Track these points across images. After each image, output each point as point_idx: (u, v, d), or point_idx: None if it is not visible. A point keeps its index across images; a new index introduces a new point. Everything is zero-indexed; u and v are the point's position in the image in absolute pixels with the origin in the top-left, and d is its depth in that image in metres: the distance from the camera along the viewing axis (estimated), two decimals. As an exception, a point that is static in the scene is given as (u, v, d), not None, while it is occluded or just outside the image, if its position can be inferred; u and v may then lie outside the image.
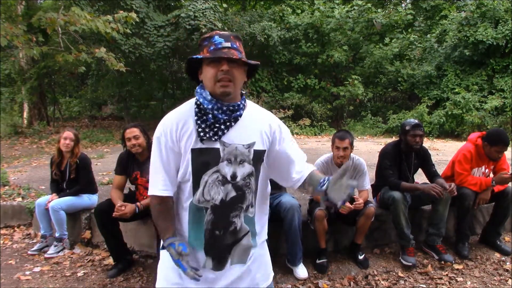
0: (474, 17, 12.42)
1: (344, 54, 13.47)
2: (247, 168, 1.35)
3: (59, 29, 5.53)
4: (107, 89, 13.25)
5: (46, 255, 3.40)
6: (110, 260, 3.20)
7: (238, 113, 1.34)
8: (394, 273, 3.03)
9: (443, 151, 7.97)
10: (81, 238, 3.62)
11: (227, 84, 1.29)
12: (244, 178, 1.35)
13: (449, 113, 11.48)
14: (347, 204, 2.92)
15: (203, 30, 10.56)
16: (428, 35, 14.95)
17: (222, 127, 1.31)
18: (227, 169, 1.32)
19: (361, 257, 3.14)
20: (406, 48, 14.84)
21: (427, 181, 3.44)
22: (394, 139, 3.45)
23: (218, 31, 1.37)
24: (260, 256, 1.49)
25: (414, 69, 13.59)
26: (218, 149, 1.31)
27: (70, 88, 15.53)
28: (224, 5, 14.80)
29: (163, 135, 1.34)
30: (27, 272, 3.12)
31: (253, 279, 1.45)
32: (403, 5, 17.55)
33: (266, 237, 1.53)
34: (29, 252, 3.48)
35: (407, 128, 3.26)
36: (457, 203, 3.29)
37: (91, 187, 3.68)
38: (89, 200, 3.63)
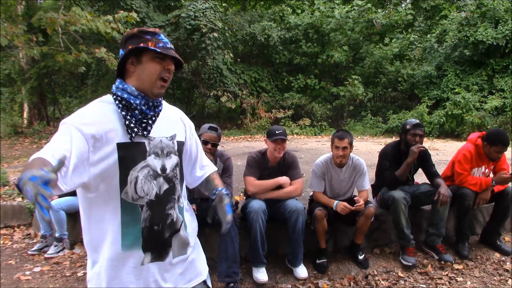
0: (474, 17, 12.42)
1: (344, 54, 13.48)
2: (174, 159, 1.37)
3: (59, 29, 5.54)
4: (107, 89, 13.20)
5: (46, 255, 3.40)
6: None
7: (160, 107, 1.36)
8: (394, 273, 3.03)
9: (443, 151, 7.97)
10: (81, 238, 3.61)
11: (165, 85, 1.32)
12: (173, 169, 1.36)
13: (449, 113, 11.49)
14: (347, 205, 2.92)
15: (204, 30, 10.57)
16: (428, 35, 14.95)
17: (150, 122, 1.31)
18: (156, 163, 1.31)
19: (361, 257, 3.14)
20: (406, 48, 14.85)
21: (427, 181, 3.44)
22: (394, 139, 3.45)
23: (158, 30, 1.36)
24: (196, 245, 1.51)
25: (414, 69, 13.60)
26: (143, 143, 1.29)
27: (70, 88, 15.52)
28: (224, 5, 14.82)
29: (79, 124, 1.18)
30: (27, 272, 3.12)
31: (195, 270, 1.46)
32: (403, 5, 17.55)
33: (196, 228, 1.53)
34: (29, 252, 3.48)
35: (408, 127, 3.28)
36: (457, 203, 3.29)
37: (91, 187, 3.68)
38: (89, 200, 3.63)
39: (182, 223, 1.40)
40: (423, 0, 15.92)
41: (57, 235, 3.48)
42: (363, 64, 14.37)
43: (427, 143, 8.74)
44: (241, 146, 8.68)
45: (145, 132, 1.29)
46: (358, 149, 8.20)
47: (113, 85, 1.33)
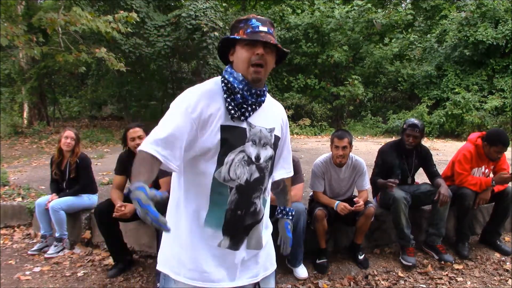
0: (474, 17, 12.42)
1: (344, 54, 13.47)
2: (269, 151, 1.38)
3: (59, 29, 5.53)
4: (107, 89, 13.24)
5: (46, 255, 3.40)
6: (110, 260, 3.20)
7: (262, 98, 1.37)
8: (394, 273, 3.03)
9: (443, 151, 7.97)
10: (81, 238, 3.62)
11: (259, 70, 1.30)
12: (266, 160, 1.38)
13: (449, 113, 11.49)
14: (347, 206, 2.93)
15: (204, 30, 10.56)
16: (428, 35, 14.96)
17: (249, 108, 1.32)
18: (251, 150, 1.33)
19: (361, 257, 3.14)
20: (406, 48, 14.85)
21: (428, 181, 3.44)
22: (394, 139, 3.46)
23: (255, 15, 1.37)
24: (270, 242, 1.54)
25: (414, 69, 13.60)
26: (245, 129, 1.32)
27: (70, 88, 15.52)
28: (224, 5, 14.82)
29: (189, 104, 1.26)
30: (27, 272, 3.12)
31: (263, 265, 1.47)
32: (403, 5, 17.55)
33: (271, 226, 1.56)
34: (29, 252, 3.48)
35: (405, 126, 3.32)
36: (457, 203, 3.29)
37: (91, 187, 3.68)
38: (89, 200, 3.64)
39: (263, 216, 1.42)
40: (423, 0, 15.91)
41: (57, 235, 3.48)
42: (363, 64, 14.37)
43: (427, 143, 8.74)
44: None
45: (242, 117, 1.30)
46: (358, 149, 8.20)
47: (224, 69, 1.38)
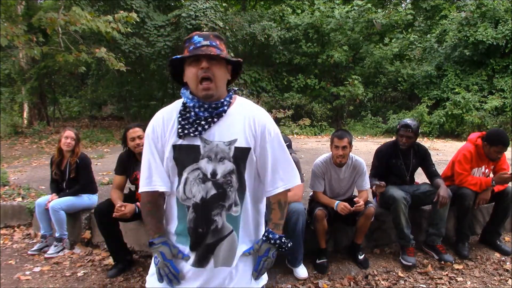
0: (474, 17, 12.42)
1: (344, 54, 13.47)
2: (228, 165, 1.32)
3: (59, 29, 5.53)
4: (107, 89, 13.24)
5: (46, 255, 3.40)
6: (110, 260, 3.20)
7: (221, 109, 1.33)
8: (394, 273, 3.03)
9: (443, 151, 7.97)
10: (81, 238, 3.62)
11: (208, 87, 1.29)
12: (225, 175, 1.32)
13: (449, 113, 11.49)
14: (347, 206, 2.93)
15: (205, 30, 10.56)
16: (428, 35, 14.96)
17: (203, 123, 1.32)
18: (207, 166, 1.31)
19: (361, 257, 3.14)
20: (406, 48, 14.85)
21: (427, 181, 3.44)
22: (393, 139, 3.47)
23: (197, 32, 1.39)
24: (249, 260, 1.43)
25: (414, 69, 13.60)
26: (198, 146, 1.32)
27: (70, 88, 15.53)
28: (224, 5, 14.82)
29: (151, 131, 1.38)
30: (27, 272, 3.12)
31: (237, 283, 1.39)
32: (403, 5, 17.56)
33: (251, 244, 1.45)
34: (29, 252, 3.48)
35: (398, 127, 3.35)
36: (457, 203, 3.29)
37: (91, 187, 3.68)
38: (89, 200, 3.63)
39: (231, 232, 1.35)
40: (423, 0, 15.92)
41: (57, 235, 3.48)
42: (363, 64, 14.37)
43: (427, 143, 8.74)
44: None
45: (195, 133, 1.31)
46: (358, 149, 8.20)
47: None
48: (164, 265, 1.28)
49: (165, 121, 1.37)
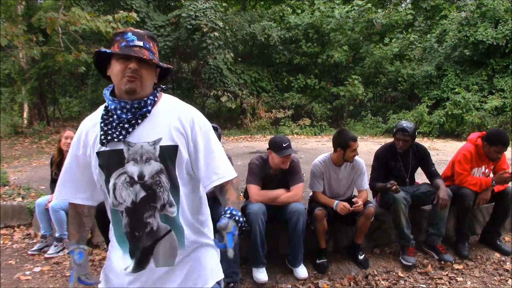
0: (474, 17, 12.42)
1: (344, 54, 13.48)
2: (155, 165, 1.28)
3: (59, 29, 5.54)
4: (107, 89, 13.22)
5: (46, 255, 3.40)
6: (110, 260, 3.19)
7: (145, 109, 1.29)
8: (394, 273, 3.03)
9: (443, 151, 7.97)
10: (81, 238, 3.61)
11: (133, 80, 1.25)
12: (153, 176, 1.28)
13: (449, 113, 11.49)
14: (346, 205, 2.93)
15: (204, 30, 10.57)
16: (428, 35, 14.95)
17: (127, 126, 1.27)
18: (133, 169, 1.28)
19: (361, 257, 3.14)
20: (406, 48, 14.85)
21: (427, 181, 3.44)
22: (392, 140, 3.47)
23: (132, 28, 1.33)
24: (196, 258, 1.38)
25: (414, 69, 13.60)
26: (121, 150, 1.27)
27: (70, 88, 15.52)
28: (224, 5, 14.82)
29: (76, 140, 1.37)
30: (27, 272, 3.12)
31: (182, 282, 1.35)
32: (403, 5, 17.56)
33: (208, 239, 1.42)
34: (29, 252, 3.48)
35: (394, 130, 3.34)
36: (457, 203, 3.29)
37: (91, 187, 3.68)
38: (89, 200, 3.63)
39: (168, 232, 1.32)
40: (423, 0, 15.92)
41: (57, 235, 3.48)
42: (363, 64, 14.37)
43: (427, 143, 8.75)
44: (241, 146, 8.68)
45: (120, 137, 1.26)
46: (358, 149, 8.18)
47: None
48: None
49: (89, 129, 1.33)
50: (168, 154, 1.29)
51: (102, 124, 1.29)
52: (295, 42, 14.15)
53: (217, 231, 1.22)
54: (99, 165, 1.29)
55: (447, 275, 3.00)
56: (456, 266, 3.12)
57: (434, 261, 3.20)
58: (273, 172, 2.99)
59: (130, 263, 1.33)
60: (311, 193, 3.30)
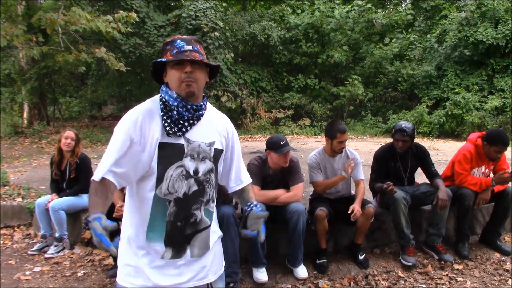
0: (474, 17, 12.43)
1: (344, 54, 13.48)
2: (208, 164, 1.44)
3: (59, 29, 5.53)
4: (107, 89, 13.25)
5: (46, 255, 3.40)
6: (110, 260, 3.20)
7: (200, 112, 1.42)
8: (394, 273, 3.03)
9: (443, 151, 7.97)
10: (81, 238, 3.62)
11: (190, 84, 1.37)
12: (205, 173, 1.44)
13: (449, 113, 11.49)
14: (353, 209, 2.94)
15: (205, 30, 10.57)
16: (428, 35, 14.96)
17: (186, 124, 1.39)
18: (190, 165, 1.40)
19: (361, 257, 3.14)
20: (406, 48, 14.86)
21: (427, 181, 3.44)
22: (391, 141, 3.47)
23: (179, 36, 1.45)
24: (216, 247, 1.56)
25: (414, 69, 13.60)
26: (182, 145, 1.38)
27: (70, 88, 15.52)
28: (224, 5, 14.82)
29: (129, 127, 1.34)
30: (27, 272, 3.12)
31: (208, 271, 1.50)
32: (403, 5, 17.56)
33: (221, 233, 1.62)
34: (29, 252, 3.48)
35: (393, 131, 3.34)
36: (457, 203, 3.29)
37: (91, 187, 3.68)
38: (89, 200, 3.63)
39: (208, 226, 1.47)
40: (423, 0, 15.92)
41: (57, 235, 3.48)
42: (363, 64, 14.38)
43: (427, 143, 8.75)
44: (241, 146, 8.68)
45: (179, 133, 1.37)
46: (358, 149, 8.19)
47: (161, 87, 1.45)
48: (98, 242, 1.18)
49: (146, 119, 1.37)
50: (218, 157, 1.49)
51: (164, 117, 1.36)
52: (295, 42, 14.15)
53: (243, 222, 1.49)
54: (159, 155, 1.35)
55: (447, 275, 3.00)
56: (456, 266, 3.12)
57: (434, 261, 3.20)
58: (272, 172, 2.99)
59: (164, 250, 1.39)
60: (312, 193, 3.31)
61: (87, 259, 3.34)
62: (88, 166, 3.65)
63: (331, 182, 3.11)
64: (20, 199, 4.34)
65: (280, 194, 2.93)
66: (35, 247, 3.52)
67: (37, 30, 8.49)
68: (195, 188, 1.42)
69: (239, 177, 1.61)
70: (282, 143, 2.86)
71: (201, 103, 1.43)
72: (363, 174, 3.25)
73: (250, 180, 1.65)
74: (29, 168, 6.47)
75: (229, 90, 12.26)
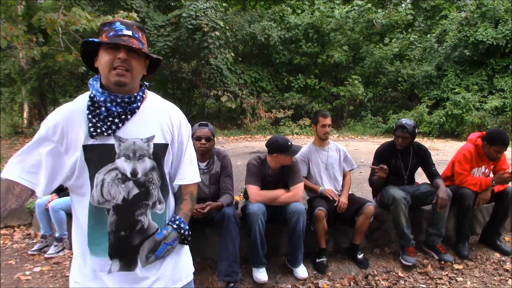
0: (474, 17, 12.43)
1: (344, 54, 13.49)
2: (148, 163, 1.27)
3: (59, 29, 5.54)
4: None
5: (46, 255, 3.40)
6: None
7: (134, 105, 1.25)
8: (394, 273, 3.03)
9: (443, 151, 7.97)
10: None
11: (123, 73, 1.20)
12: (146, 173, 1.27)
13: (449, 113, 11.49)
14: (334, 191, 3.18)
15: (205, 29, 10.57)
16: (428, 35, 14.97)
17: (116, 120, 1.22)
18: (126, 166, 1.23)
19: (360, 256, 3.14)
20: (406, 48, 14.87)
21: (427, 181, 3.44)
22: (392, 139, 3.48)
23: (120, 18, 1.32)
24: (178, 253, 1.39)
25: (414, 69, 13.61)
26: (112, 145, 1.22)
27: (70, 88, 15.50)
28: (224, 5, 14.83)
29: (50, 127, 1.22)
30: (27, 272, 3.12)
31: (170, 278, 1.35)
32: (403, 5, 17.57)
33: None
34: (29, 252, 3.48)
35: (394, 127, 3.38)
36: (457, 203, 3.29)
37: (91, 187, 3.68)
38: (89, 200, 3.63)
39: (157, 230, 1.29)
40: (423, 0, 15.93)
41: (57, 235, 3.48)
42: (363, 64, 14.38)
43: (427, 143, 8.74)
44: (241, 146, 8.69)
45: (108, 131, 1.21)
46: (358, 149, 8.21)
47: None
48: None
49: (71, 118, 1.22)
50: (160, 152, 1.30)
51: (90, 116, 1.20)
52: (295, 42, 14.16)
53: (165, 227, 1.30)
54: (86, 159, 1.20)
55: (447, 275, 3.00)
56: (456, 266, 3.12)
57: (434, 261, 3.20)
58: (271, 172, 2.99)
59: (110, 264, 1.25)
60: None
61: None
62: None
63: (311, 185, 3.26)
64: (20, 199, 4.34)
65: (279, 194, 2.93)
66: (35, 247, 3.52)
67: (37, 30, 8.49)
68: (135, 191, 1.25)
69: (188, 173, 1.40)
70: (289, 143, 2.89)
71: (135, 94, 1.25)
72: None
73: (193, 181, 1.42)
74: (29, 168, 6.47)
75: (229, 90, 12.27)
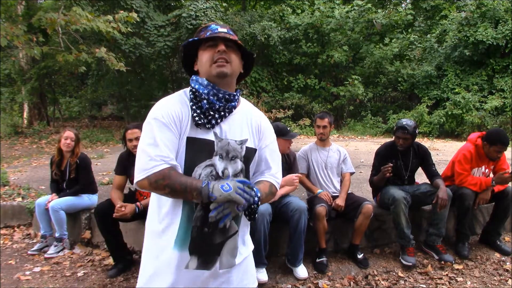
0: (474, 17, 12.43)
1: (344, 54, 13.48)
2: (239, 164, 1.30)
3: (59, 29, 5.53)
4: (107, 89, 13.24)
5: (46, 255, 3.40)
6: (110, 260, 3.20)
7: (232, 103, 1.30)
8: (394, 273, 3.03)
9: (443, 151, 7.97)
10: (81, 238, 3.62)
11: (223, 64, 1.26)
12: (235, 174, 1.29)
13: (449, 113, 11.49)
14: (328, 193, 3.23)
15: (204, 30, 10.55)
16: (428, 35, 14.97)
17: (216, 115, 1.27)
18: (219, 164, 1.27)
19: (360, 256, 3.14)
20: (406, 48, 14.86)
21: (427, 181, 3.44)
22: (393, 139, 3.48)
23: (214, 22, 1.40)
24: (247, 261, 1.41)
25: (414, 69, 13.61)
26: (212, 141, 1.26)
27: (70, 88, 15.53)
28: (224, 5, 14.82)
29: (163, 116, 1.23)
30: (27, 272, 3.12)
31: (239, 282, 1.37)
32: (403, 5, 17.56)
33: (252, 245, 1.47)
34: (29, 252, 3.48)
35: (395, 128, 3.37)
36: (457, 203, 3.29)
37: (91, 187, 3.68)
38: (89, 200, 3.64)
39: (236, 232, 1.32)
40: (423, 0, 15.92)
41: (57, 235, 3.48)
42: (363, 64, 14.38)
43: (427, 143, 8.75)
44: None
45: (209, 125, 1.25)
46: (358, 149, 8.21)
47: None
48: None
49: (177, 110, 1.25)
50: (250, 156, 1.34)
51: (194, 107, 1.25)
52: (295, 42, 14.15)
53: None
54: (187, 150, 1.24)
55: (447, 275, 3.00)
56: (456, 266, 3.12)
57: (434, 261, 3.20)
58: None
59: (188, 259, 1.25)
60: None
61: (87, 259, 3.34)
62: (88, 166, 3.65)
63: (309, 185, 3.34)
64: (20, 199, 4.34)
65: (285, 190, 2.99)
66: (35, 247, 3.52)
67: (37, 30, 8.50)
68: None
69: (272, 176, 1.39)
70: (288, 128, 3.05)
71: (234, 93, 1.31)
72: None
73: (276, 180, 1.41)
74: (29, 168, 6.48)
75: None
